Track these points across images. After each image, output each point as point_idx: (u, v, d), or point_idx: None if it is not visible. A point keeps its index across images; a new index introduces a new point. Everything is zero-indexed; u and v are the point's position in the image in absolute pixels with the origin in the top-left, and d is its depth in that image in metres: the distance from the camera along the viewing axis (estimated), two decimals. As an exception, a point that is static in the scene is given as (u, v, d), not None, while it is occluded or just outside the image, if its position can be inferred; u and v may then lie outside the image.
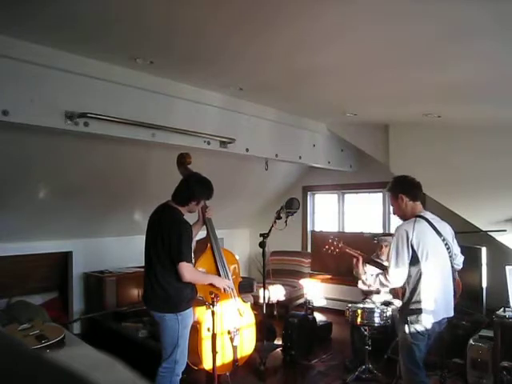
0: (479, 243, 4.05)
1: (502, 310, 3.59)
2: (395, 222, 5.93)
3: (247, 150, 4.13)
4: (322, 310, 5.82)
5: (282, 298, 5.54)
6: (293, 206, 4.02)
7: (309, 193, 6.78)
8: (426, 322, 2.60)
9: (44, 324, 2.89)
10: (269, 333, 4.45)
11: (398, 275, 2.66)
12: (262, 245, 4.08)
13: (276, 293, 5.51)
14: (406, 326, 2.65)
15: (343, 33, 2.22)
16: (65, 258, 5.05)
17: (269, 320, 4.82)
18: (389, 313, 3.75)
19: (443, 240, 2.72)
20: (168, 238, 2.76)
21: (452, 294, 2.76)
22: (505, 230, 3.73)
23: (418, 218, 2.70)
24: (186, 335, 2.84)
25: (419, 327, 2.62)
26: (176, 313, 2.78)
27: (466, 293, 4.14)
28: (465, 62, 2.49)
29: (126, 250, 5.13)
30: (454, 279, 2.80)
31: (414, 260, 2.63)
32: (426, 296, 2.62)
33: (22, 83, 2.57)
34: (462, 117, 3.92)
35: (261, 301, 4.38)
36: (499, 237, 3.94)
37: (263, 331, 4.06)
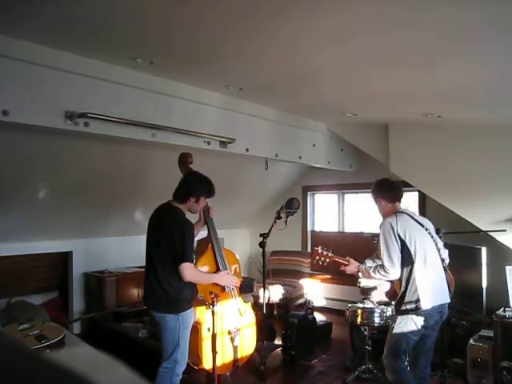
0: (479, 243, 4.05)
1: (502, 309, 3.59)
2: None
3: (247, 150, 4.13)
4: (321, 310, 5.82)
5: (282, 297, 5.53)
6: (293, 206, 4.02)
7: (309, 193, 6.78)
8: (424, 309, 2.64)
9: (44, 324, 2.89)
10: (269, 333, 4.45)
11: (392, 266, 2.72)
12: (262, 245, 4.08)
13: (276, 293, 5.51)
14: (404, 316, 2.70)
15: (343, 33, 2.22)
16: (65, 258, 5.04)
17: (269, 320, 4.82)
18: (389, 313, 3.74)
19: (426, 230, 2.83)
20: (170, 238, 2.76)
21: (445, 280, 2.81)
22: (505, 230, 3.73)
23: (398, 213, 2.84)
24: (186, 335, 2.84)
25: (417, 319, 2.66)
26: (177, 313, 2.77)
27: (466, 293, 4.16)
28: (465, 63, 2.49)
29: (126, 249, 5.13)
30: (444, 270, 2.86)
31: (405, 249, 2.71)
32: (422, 283, 2.67)
33: (21, 83, 2.57)
34: (462, 117, 3.92)
35: (261, 301, 4.38)
36: (499, 237, 3.94)
37: (263, 331, 4.06)
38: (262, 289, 4.27)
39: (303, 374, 4.05)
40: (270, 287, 5.34)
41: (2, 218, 4.05)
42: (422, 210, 5.46)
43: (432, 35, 2.13)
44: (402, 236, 2.70)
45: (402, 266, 2.72)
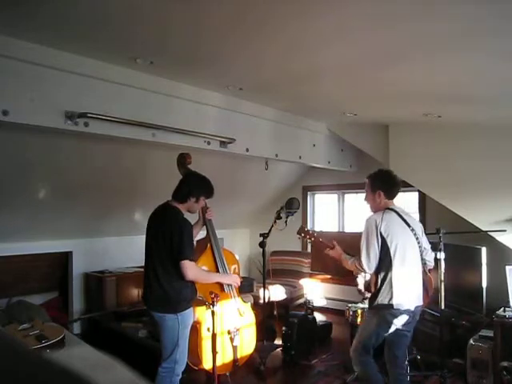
0: (479, 243, 4.05)
1: (502, 309, 3.59)
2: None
3: (247, 149, 4.13)
4: (322, 309, 5.82)
5: (281, 297, 5.53)
6: (293, 206, 4.02)
7: (309, 193, 6.78)
8: (396, 308, 2.69)
9: (44, 324, 2.89)
10: (269, 333, 4.45)
11: (368, 263, 2.76)
12: (262, 245, 4.08)
13: (276, 293, 5.51)
14: (375, 312, 2.76)
15: (343, 33, 2.22)
16: (65, 258, 5.04)
17: (269, 320, 4.81)
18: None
19: (412, 230, 2.82)
20: (169, 237, 2.76)
21: (422, 283, 2.84)
22: (505, 230, 3.73)
23: (387, 210, 2.83)
24: (186, 335, 2.84)
25: (389, 316, 2.71)
26: (176, 313, 2.77)
27: (466, 293, 4.16)
28: (465, 62, 2.49)
29: (126, 249, 5.13)
30: (424, 273, 2.89)
31: (384, 248, 2.73)
32: (397, 284, 2.70)
33: (21, 83, 2.57)
34: (462, 117, 3.92)
35: (261, 301, 4.38)
36: (499, 237, 3.93)
37: (263, 331, 4.06)
38: (262, 289, 4.27)
39: (303, 374, 4.05)
40: (270, 287, 5.33)
41: (2, 218, 4.05)
42: (422, 210, 5.47)
43: (432, 35, 2.13)
44: (384, 235, 2.73)
45: (380, 265, 2.76)
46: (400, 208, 2.92)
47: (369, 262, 2.75)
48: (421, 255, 2.86)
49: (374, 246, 2.74)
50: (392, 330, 2.75)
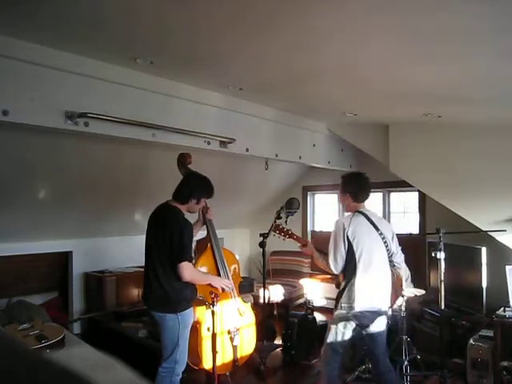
0: (479, 243, 4.05)
1: (501, 309, 3.59)
2: (395, 221, 5.95)
3: (247, 149, 4.13)
4: (322, 309, 5.82)
5: (281, 297, 5.53)
6: (293, 206, 4.02)
7: (309, 193, 6.78)
8: (357, 310, 2.77)
9: (44, 324, 2.89)
10: (269, 333, 4.45)
11: (336, 264, 2.85)
12: (262, 245, 4.08)
13: (276, 293, 5.51)
14: (338, 311, 2.85)
15: (343, 33, 2.22)
16: (65, 258, 5.04)
17: (269, 320, 4.81)
18: (389, 313, 3.74)
19: (380, 234, 2.88)
20: (169, 238, 2.76)
21: (389, 286, 2.90)
22: (505, 230, 3.73)
23: (356, 213, 2.92)
24: (186, 335, 2.84)
25: (351, 317, 2.79)
26: (176, 313, 2.78)
27: (466, 293, 4.16)
28: (465, 62, 2.49)
29: (126, 250, 5.13)
30: (393, 275, 2.94)
31: (350, 252, 2.81)
32: (360, 287, 2.77)
33: (21, 83, 2.57)
34: (462, 117, 3.92)
35: (261, 301, 4.39)
36: (499, 237, 3.93)
37: (263, 331, 4.06)
38: (262, 289, 4.27)
39: (303, 374, 4.05)
40: (270, 287, 5.34)
41: (2, 219, 4.05)
42: (422, 210, 5.47)
43: (432, 34, 2.13)
44: (351, 238, 2.81)
45: (346, 267, 2.84)
46: (370, 211, 2.98)
47: (336, 264, 2.85)
48: (390, 258, 2.92)
49: (340, 248, 2.83)
50: (357, 330, 2.84)
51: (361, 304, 2.77)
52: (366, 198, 3.01)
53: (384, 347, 2.98)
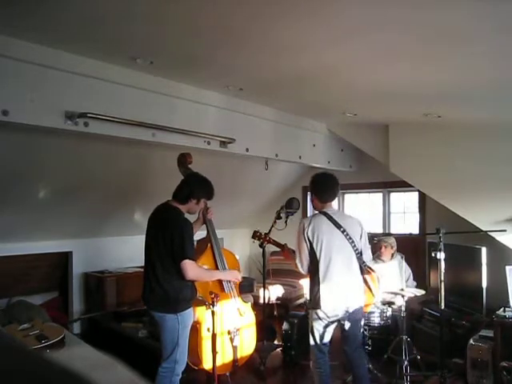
0: (479, 243, 4.05)
1: (502, 310, 3.59)
2: (395, 221, 5.95)
3: (247, 149, 4.13)
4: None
5: (281, 298, 5.53)
6: (293, 206, 4.02)
7: (309, 193, 6.77)
8: (324, 308, 2.84)
9: (44, 324, 2.89)
10: (269, 333, 4.45)
11: (301, 265, 2.95)
12: (262, 245, 4.08)
13: (276, 293, 5.51)
14: (311, 312, 2.93)
15: (343, 33, 2.22)
16: (65, 258, 5.04)
17: (269, 320, 4.81)
18: (389, 313, 3.75)
19: (343, 232, 2.92)
20: (169, 238, 2.76)
21: (356, 283, 2.95)
22: (505, 230, 3.73)
23: (317, 213, 3.01)
24: (186, 335, 2.84)
25: (319, 312, 2.86)
26: (176, 313, 2.78)
27: (466, 293, 4.16)
28: (465, 62, 2.49)
29: (126, 250, 5.13)
30: (363, 272, 3.01)
31: (312, 251, 2.89)
32: (324, 285, 2.84)
33: (21, 83, 2.57)
34: (462, 117, 3.92)
35: (261, 301, 4.38)
36: (499, 237, 3.93)
37: (263, 331, 4.06)
38: (262, 289, 4.27)
39: (303, 374, 4.04)
40: (270, 287, 5.33)
41: (2, 218, 4.05)
42: (422, 210, 5.47)
43: (432, 34, 2.13)
44: (311, 238, 2.89)
45: (310, 267, 2.93)
46: (335, 210, 3.05)
47: (301, 264, 2.94)
48: (359, 255, 2.95)
49: (303, 249, 2.91)
50: (329, 327, 2.90)
51: (327, 301, 2.83)
52: (332, 198, 3.05)
53: (356, 344, 3.02)
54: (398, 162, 4.60)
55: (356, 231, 2.97)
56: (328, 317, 2.86)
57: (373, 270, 3.19)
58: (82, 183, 4.25)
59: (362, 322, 3.13)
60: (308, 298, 3.03)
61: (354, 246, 2.92)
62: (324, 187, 3.05)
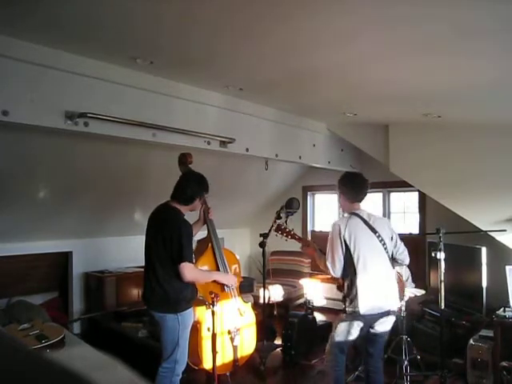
0: (479, 243, 4.05)
1: (502, 310, 3.59)
2: (395, 221, 5.95)
3: (247, 149, 4.13)
4: (322, 309, 5.82)
5: (281, 297, 5.53)
6: (293, 206, 4.02)
7: (309, 193, 6.78)
8: (362, 314, 2.75)
9: (44, 324, 2.89)
10: (269, 333, 4.45)
11: (333, 268, 2.82)
12: (262, 245, 4.09)
13: (276, 293, 5.51)
14: (345, 316, 2.85)
15: (343, 33, 2.22)
16: (65, 258, 5.04)
17: (269, 320, 4.81)
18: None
19: (378, 236, 2.85)
20: (169, 238, 2.76)
21: (392, 286, 2.89)
22: (505, 230, 3.73)
23: (351, 215, 2.90)
24: (186, 335, 2.84)
25: (356, 320, 2.79)
26: (176, 313, 2.78)
27: (466, 293, 4.16)
28: (465, 62, 2.49)
29: (126, 249, 5.13)
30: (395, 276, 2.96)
31: (348, 255, 2.79)
32: (362, 290, 2.75)
33: (21, 83, 2.57)
34: (462, 117, 3.92)
35: (261, 301, 4.38)
36: (499, 237, 3.93)
37: (263, 331, 4.06)
38: (262, 289, 4.27)
39: (303, 374, 4.05)
40: (270, 287, 5.34)
41: (2, 218, 4.05)
42: (422, 210, 5.47)
43: (432, 34, 2.13)
44: (348, 241, 2.79)
45: (346, 270, 2.82)
46: (366, 212, 2.94)
47: (334, 267, 2.82)
48: (390, 258, 2.90)
49: (338, 251, 2.80)
50: (363, 331, 2.84)
51: (365, 307, 2.75)
52: (362, 198, 2.98)
53: (381, 349, 2.99)
54: (398, 161, 4.60)
55: (387, 232, 2.91)
56: (364, 319, 2.78)
57: (402, 277, 3.13)
58: (82, 183, 4.25)
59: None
60: (343, 300, 2.91)
61: (386, 249, 2.87)
62: (354, 187, 2.97)
